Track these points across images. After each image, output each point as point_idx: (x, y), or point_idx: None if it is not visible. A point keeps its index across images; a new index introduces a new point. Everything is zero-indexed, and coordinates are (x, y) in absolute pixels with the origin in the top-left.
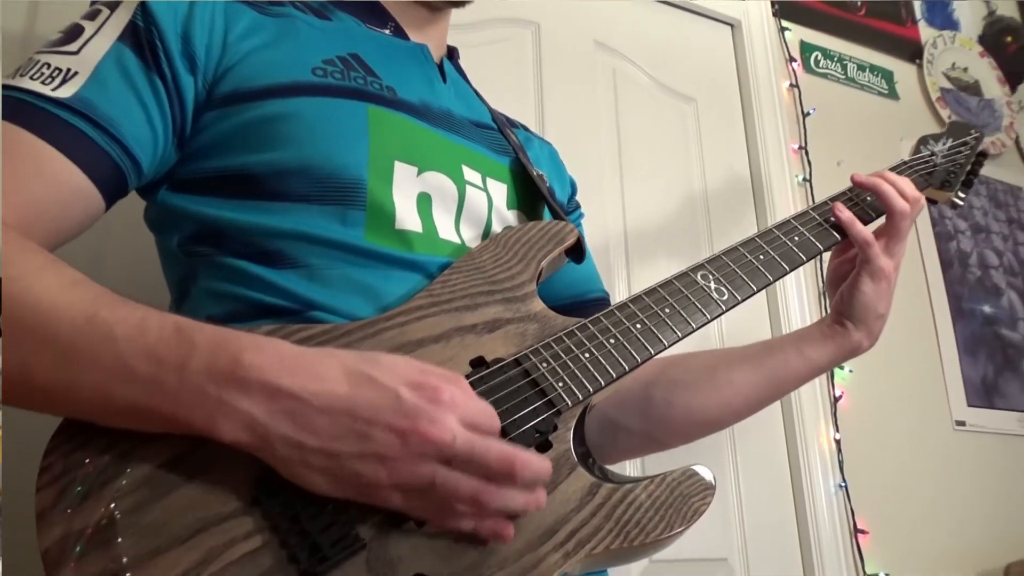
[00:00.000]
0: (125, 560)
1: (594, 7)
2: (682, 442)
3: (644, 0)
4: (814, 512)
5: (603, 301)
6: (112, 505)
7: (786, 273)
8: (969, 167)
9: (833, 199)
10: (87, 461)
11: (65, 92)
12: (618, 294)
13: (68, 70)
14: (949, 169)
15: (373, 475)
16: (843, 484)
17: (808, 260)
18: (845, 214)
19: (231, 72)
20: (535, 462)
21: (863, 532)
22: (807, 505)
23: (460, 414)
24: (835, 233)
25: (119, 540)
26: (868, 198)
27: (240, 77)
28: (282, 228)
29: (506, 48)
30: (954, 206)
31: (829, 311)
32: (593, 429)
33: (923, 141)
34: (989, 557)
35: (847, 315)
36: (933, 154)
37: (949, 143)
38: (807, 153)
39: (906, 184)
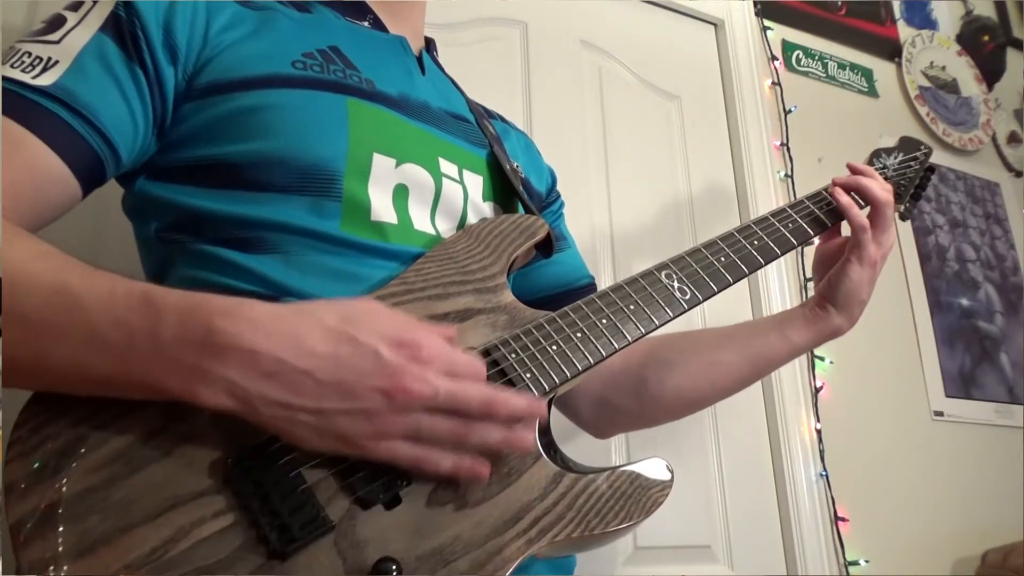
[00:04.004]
0: (94, 536)
1: (580, 6)
2: (672, 419)
3: (629, 0)
4: (795, 500)
5: (591, 287)
6: (82, 480)
7: (746, 275)
8: (918, 181)
9: (793, 205)
10: (58, 435)
11: (45, 80)
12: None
13: (49, 59)
14: (899, 182)
15: (359, 429)
16: (824, 473)
17: (765, 264)
18: (844, 198)
19: (212, 63)
20: (513, 400)
21: (843, 520)
22: (788, 493)
23: (441, 365)
24: (792, 240)
25: (88, 516)
26: (825, 206)
27: (221, 68)
28: (260, 217)
29: (494, 47)
30: (903, 218)
31: (813, 295)
32: (588, 406)
33: (876, 154)
34: (966, 544)
35: (831, 300)
36: (885, 167)
37: (900, 157)
38: (789, 150)
39: (880, 179)
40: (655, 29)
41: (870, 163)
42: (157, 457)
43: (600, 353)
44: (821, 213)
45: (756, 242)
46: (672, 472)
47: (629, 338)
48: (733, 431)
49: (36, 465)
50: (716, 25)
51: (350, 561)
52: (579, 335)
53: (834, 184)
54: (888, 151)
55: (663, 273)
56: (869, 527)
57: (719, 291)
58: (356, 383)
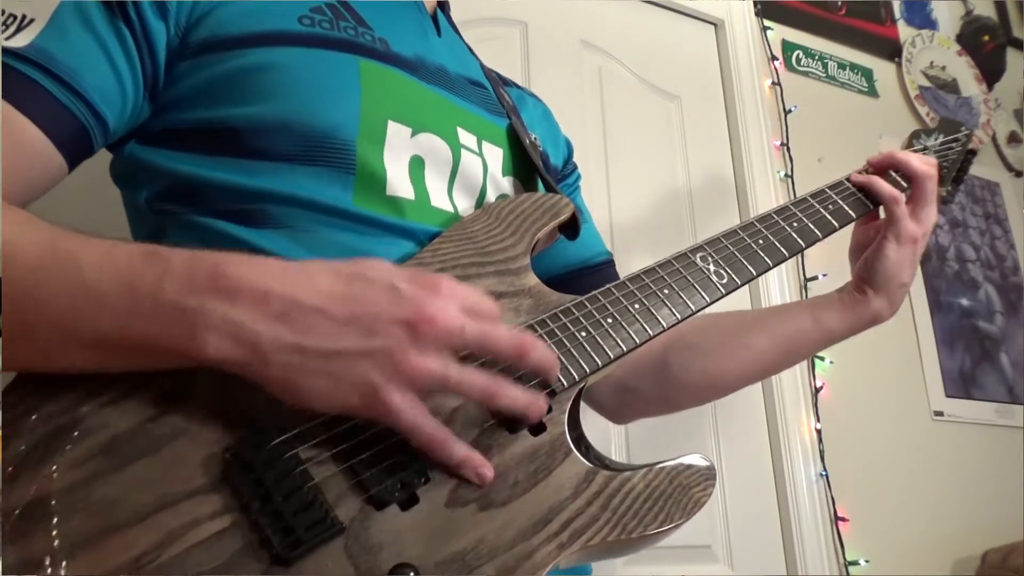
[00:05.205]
0: (77, 538)
1: (581, 7)
2: (695, 404)
3: (629, 0)
4: (795, 500)
5: (609, 264)
6: (64, 476)
7: (785, 259)
8: (960, 164)
9: (832, 186)
10: (39, 425)
11: (20, 41)
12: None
13: (23, 17)
14: (941, 164)
15: (381, 374)
16: (824, 473)
17: (806, 248)
18: (864, 176)
19: (208, 17)
20: (542, 346)
21: (843, 520)
22: (788, 493)
23: (461, 302)
24: (833, 222)
25: (71, 516)
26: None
27: (218, 23)
28: (264, 188)
29: (494, 47)
30: (945, 201)
31: (851, 280)
32: (608, 390)
33: (915, 135)
34: (966, 544)
35: (869, 282)
36: (926, 149)
37: (941, 139)
38: (789, 149)
39: (917, 155)
40: (655, 29)
41: (909, 144)
42: (147, 451)
43: (633, 340)
44: (862, 193)
45: (796, 224)
46: (714, 469)
47: (664, 324)
48: (733, 430)
49: (13, 459)
50: (716, 25)
51: (362, 567)
52: (610, 321)
53: (870, 163)
54: (928, 132)
55: (698, 255)
56: (869, 527)
57: (758, 275)
58: (375, 317)
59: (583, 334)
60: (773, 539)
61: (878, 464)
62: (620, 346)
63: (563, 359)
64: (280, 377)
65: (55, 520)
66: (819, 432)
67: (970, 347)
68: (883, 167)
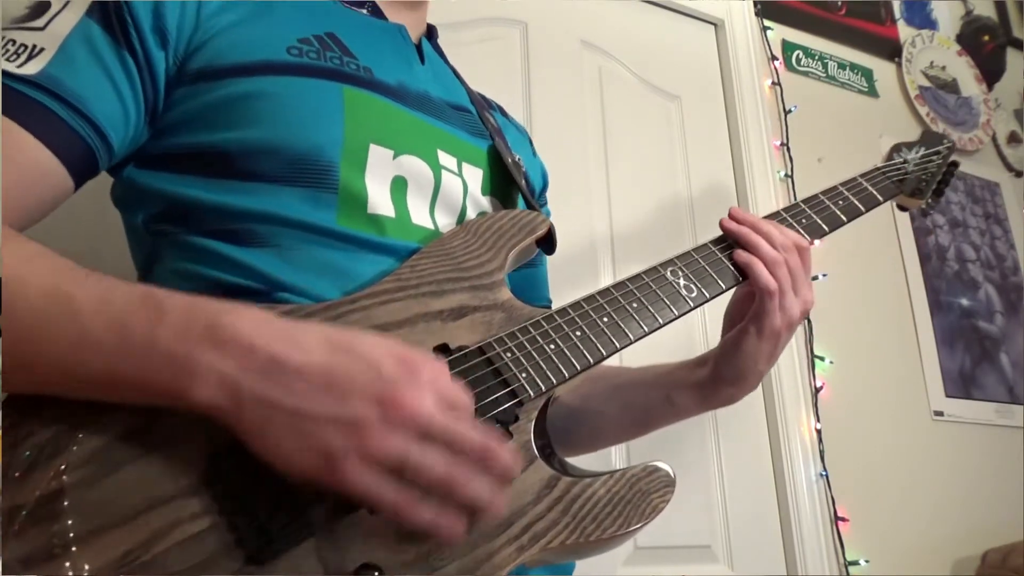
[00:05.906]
0: (67, 537)
1: (581, 7)
2: (574, 456)
3: (629, 0)
4: (795, 500)
5: (547, 308)
6: (57, 480)
7: None
8: (940, 176)
9: (807, 201)
10: (34, 433)
11: (30, 69)
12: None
13: (34, 46)
14: (920, 177)
15: (343, 443)
16: (824, 473)
17: None
18: (742, 257)
19: (204, 48)
20: (507, 455)
21: (843, 520)
22: (789, 493)
23: (438, 392)
24: (825, 226)
25: (62, 517)
26: (840, 202)
27: (213, 53)
28: (252, 208)
29: (494, 47)
30: (924, 213)
31: (712, 354)
32: None
33: (896, 148)
34: (967, 544)
35: (723, 375)
36: (905, 161)
37: (922, 151)
38: (789, 149)
39: (781, 239)
40: (655, 29)
41: (890, 158)
42: (135, 457)
43: (601, 353)
44: (836, 209)
45: None
46: (674, 477)
47: (632, 337)
48: (733, 430)
49: (11, 465)
50: (716, 25)
51: (330, 567)
52: (579, 334)
53: (722, 226)
54: (909, 145)
55: (668, 270)
56: (869, 527)
57: (727, 289)
58: (348, 387)
59: (552, 347)
60: (773, 539)
61: (878, 464)
62: (587, 358)
63: (532, 371)
64: (251, 428)
65: (53, 520)
66: (819, 432)
67: (970, 347)
68: (738, 241)
